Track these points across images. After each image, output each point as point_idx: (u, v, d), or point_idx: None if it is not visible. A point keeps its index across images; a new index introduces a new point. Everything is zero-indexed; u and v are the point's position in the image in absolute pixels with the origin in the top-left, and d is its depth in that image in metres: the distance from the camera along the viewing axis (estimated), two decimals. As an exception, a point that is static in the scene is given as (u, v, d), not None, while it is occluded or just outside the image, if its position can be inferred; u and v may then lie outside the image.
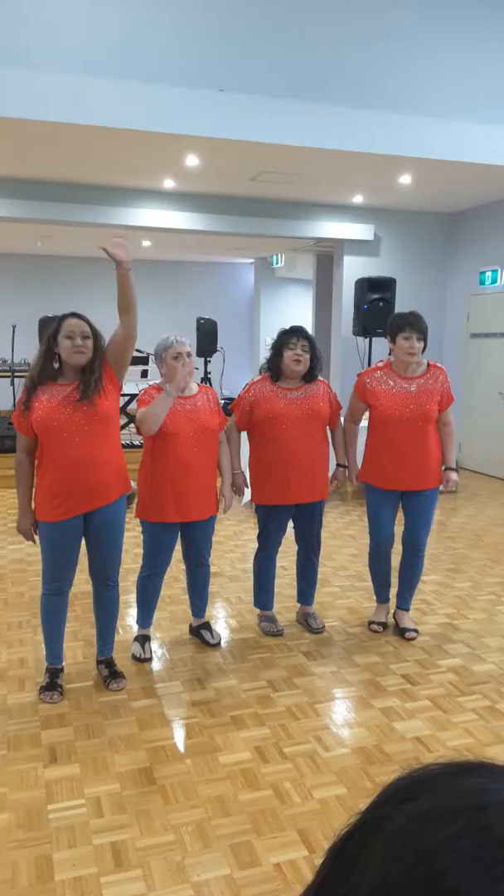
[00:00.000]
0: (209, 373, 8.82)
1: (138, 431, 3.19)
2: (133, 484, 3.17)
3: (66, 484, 2.81)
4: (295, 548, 3.75)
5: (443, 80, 5.76)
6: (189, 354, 3.20)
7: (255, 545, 3.70)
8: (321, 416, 3.47)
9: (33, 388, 2.81)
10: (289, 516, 3.60)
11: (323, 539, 3.78)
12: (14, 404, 3.14)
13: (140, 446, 3.35)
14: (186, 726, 2.80)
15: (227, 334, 10.85)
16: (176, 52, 5.09)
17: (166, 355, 3.17)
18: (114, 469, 2.91)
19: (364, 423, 3.65)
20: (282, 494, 3.47)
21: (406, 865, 0.37)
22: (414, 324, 3.35)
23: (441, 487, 3.60)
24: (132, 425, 7.62)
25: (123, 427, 7.01)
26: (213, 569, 3.91)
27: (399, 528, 3.66)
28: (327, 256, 8.99)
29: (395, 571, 3.77)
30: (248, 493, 3.61)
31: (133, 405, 6.13)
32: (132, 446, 7.15)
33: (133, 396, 6.93)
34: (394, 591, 3.79)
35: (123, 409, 6.61)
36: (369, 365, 7.31)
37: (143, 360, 7.98)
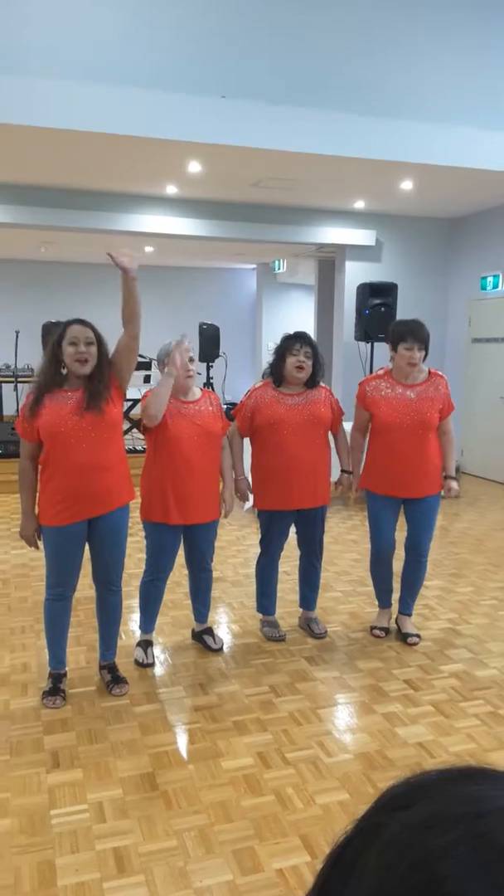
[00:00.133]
0: (211, 378, 8.84)
1: (144, 430, 3.20)
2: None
3: (73, 489, 2.82)
4: (297, 553, 3.75)
5: (443, 85, 5.78)
6: (192, 359, 3.22)
7: (258, 550, 3.70)
8: (322, 421, 3.47)
9: (40, 396, 2.82)
10: (291, 521, 3.60)
11: (325, 544, 3.78)
12: (17, 410, 3.14)
13: (143, 451, 3.36)
14: (189, 731, 2.80)
15: (229, 340, 10.87)
16: (177, 59, 5.12)
17: (168, 360, 3.19)
18: (119, 475, 2.92)
19: None
20: (283, 500, 3.48)
21: (401, 874, 0.37)
22: (415, 333, 3.35)
23: (442, 493, 3.60)
24: (135, 430, 7.65)
25: (126, 432, 7.03)
26: (215, 574, 3.91)
27: (401, 535, 3.66)
28: (329, 262, 9.01)
29: (397, 577, 3.77)
30: (251, 499, 3.62)
31: (136, 410, 6.12)
32: (135, 451, 7.16)
33: (136, 402, 6.94)
34: (396, 596, 3.78)
35: (126, 415, 6.63)
36: (371, 369, 7.32)
37: (146, 366, 8.00)
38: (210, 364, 8.82)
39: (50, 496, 2.85)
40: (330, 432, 3.59)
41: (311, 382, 3.48)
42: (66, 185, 6.68)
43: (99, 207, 6.95)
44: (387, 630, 3.74)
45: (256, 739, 2.74)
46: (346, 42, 5.50)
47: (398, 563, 3.76)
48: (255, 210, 7.46)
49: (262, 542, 3.66)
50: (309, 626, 3.75)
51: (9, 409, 8.93)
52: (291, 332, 3.54)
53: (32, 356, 7.75)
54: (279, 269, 10.85)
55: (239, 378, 11.80)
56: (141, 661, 3.35)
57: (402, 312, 7.37)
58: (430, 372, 3.51)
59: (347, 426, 3.62)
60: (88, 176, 6.26)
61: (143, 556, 3.40)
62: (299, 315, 11.77)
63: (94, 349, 2.82)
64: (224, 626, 3.85)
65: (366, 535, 3.69)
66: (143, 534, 3.36)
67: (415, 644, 3.62)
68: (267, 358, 3.67)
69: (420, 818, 0.40)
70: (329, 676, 3.28)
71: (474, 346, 7.99)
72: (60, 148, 5.31)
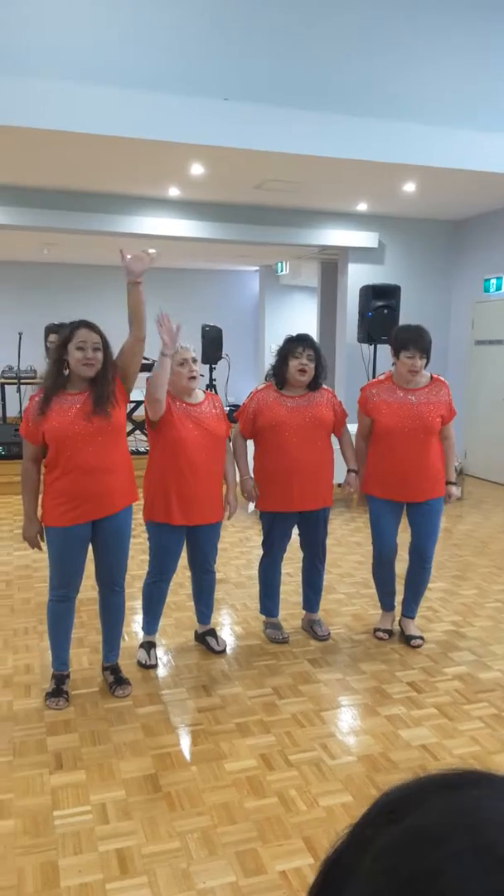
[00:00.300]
0: (214, 380, 8.84)
1: (148, 425, 3.20)
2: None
3: (78, 491, 2.83)
4: (300, 555, 3.75)
5: (445, 87, 5.79)
6: (194, 360, 3.22)
7: (261, 552, 3.70)
8: (324, 423, 3.47)
9: (46, 400, 2.81)
10: (293, 523, 3.60)
11: (328, 546, 3.78)
12: (20, 412, 3.15)
13: (146, 453, 3.36)
14: (192, 733, 2.80)
15: (232, 341, 10.88)
16: (179, 61, 5.13)
17: (172, 362, 3.19)
18: (123, 477, 2.93)
19: None
20: (285, 501, 3.47)
21: (395, 891, 0.36)
22: (417, 341, 3.35)
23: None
24: (138, 432, 7.65)
25: (129, 434, 7.04)
26: (218, 575, 3.91)
27: (405, 539, 3.66)
28: (332, 264, 9.02)
29: (400, 579, 3.77)
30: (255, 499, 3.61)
31: (139, 411, 6.12)
32: (138, 453, 7.17)
33: (139, 403, 6.95)
34: (399, 598, 3.78)
35: (129, 416, 6.63)
36: (374, 371, 7.32)
37: (149, 367, 7.99)
38: (213, 366, 8.83)
39: (55, 498, 2.86)
40: (333, 434, 3.58)
41: (314, 385, 3.48)
42: (68, 188, 6.69)
43: (101, 209, 6.96)
44: (390, 632, 3.74)
45: (259, 741, 2.74)
46: (347, 44, 5.51)
47: (401, 566, 3.76)
48: (258, 212, 7.47)
49: (264, 543, 3.66)
50: (312, 628, 3.75)
51: (12, 411, 8.95)
52: (294, 334, 3.54)
53: (35, 358, 7.77)
54: (282, 271, 10.86)
55: (242, 380, 11.80)
56: (144, 662, 3.35)
57: (405, 314, 7.37)
58: (431, 377, 3.51)
59: (352, 428, 3.62)
60: (91, 178, 6.28)
61: (147, 557, 3.41)
62: (302, 317, 11.78)
63: (100, 355, 2.82)
64: (227, 628, 3.85)
65: (369, 537, 3.68)
66: (146, 535, 3.36)
67: (418, 646, 3.61)
68: (270, 360, 3.67)
69: (410, 833, 0.38)
70: (332, 678, 3.28)
71: (477, 348, 7.99)
72: (62, 150, 5.33)
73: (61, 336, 2.83)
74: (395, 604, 3.79)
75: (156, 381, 3.06)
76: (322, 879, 0.42)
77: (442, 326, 8.21)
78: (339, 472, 3.61)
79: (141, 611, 3.49)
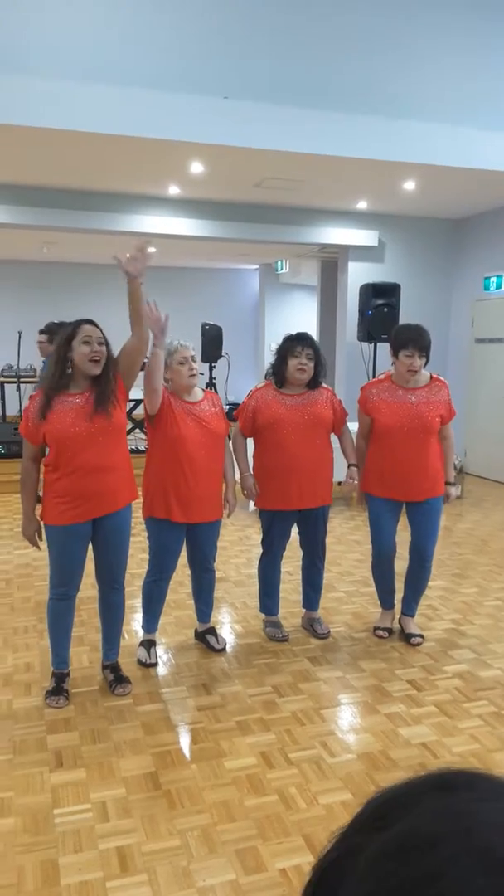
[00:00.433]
0: (214, 378, 8.84)
1: (146, 420, 3.20)
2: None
3: (79, 490, 2.83)
4: (300, 553, 3.75)
5: (445, 85, 5.78)
6: (193, 358, 3.22)
7: (260, 550, 3.70)
8: (324, 421, 3.47)
9: (49, 400, 2.80)
10: (292, 522, 3.60)
11: (328, 545, 3.78)
12: (20, 410, 3.14)
13: (145, 452, 3.36)
14: (192, 731, 2.80)
15: (231, 340, 10.88)
16: (179, 59, 5.12)
17: (172, 360, 3.19)
18: (124, 476, 2.94)
19: None
20: (284, 499, 3.47)
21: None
22: (416, 341, 3.35)
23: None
24: (137, 430, 7.65)
25: (129, 432, 7.03)
26: (218, 574, 3.91)
27: (405, 537, 3.66)
28: (332, 262, 9.01)
29: (400, 577, 3.77)
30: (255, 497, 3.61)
31: (139, 410, 6.13)
32: (138, 451, 7.17)
33: (138, 402, 6.95)
34: (399, 596, 3.78)
35: (129, 415, 6.63)
36: (374, 370, 7.32)
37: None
38: (213, 364, 8.82)
39: (56, 496, 2.85)
40: (333, 433, 3.58)
41: (313, 383, 3.48)
42: (68, 186, 6.69)
43: (101, 208, 6.96)
44: (390, 630, 3.74)
45: (259, 739, 2.74)
46: (347, 42, 5.50)
47: (401, 564, 3.76)
48: (258, 210, 7.46)
49: (263, 542, 3.66)
50: (312, 627, 3.75)
51: (12, 410, 8.95)
52: (293, 332, 3.53)
53: (35, 357, 7.76)
54: (282, 269, 10.86)
55: (241, 378, 11.79)
56: (144, 660, 3.35)
57: (405, 313, 7.37)
58: (431, 377, 3.51)
59: (353, 426, 3.62)
60: (91, 177, 6.27)
61: (146, 556, 3.41)
62: (302, 315, 11.78)
63: (104, 350, 2.82)
64: (227, 627, 3.85)
65: (368, 535, 3.68)
66: (145, 535, 3.36)
67: (418, 644, 3.61)
68: (270, 358, 3.67)
69: (399, 839, 0.37)
70: (332, 677, 3.28)
71: (478, 346, 7.98)
72: (62, 148, 5.32)
73: (63, 334, 2.82)
74: (395, 602, 3.79)
75: (152, 371, 3.04)
76: (316, 880, 0.41)
77: (442, 325, 8.21)
78: (339, 471, 3.61)
79: (141, 609, 3.49)
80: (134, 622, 3.83)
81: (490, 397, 7.81)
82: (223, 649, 3.53)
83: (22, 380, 8.23)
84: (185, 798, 2.38)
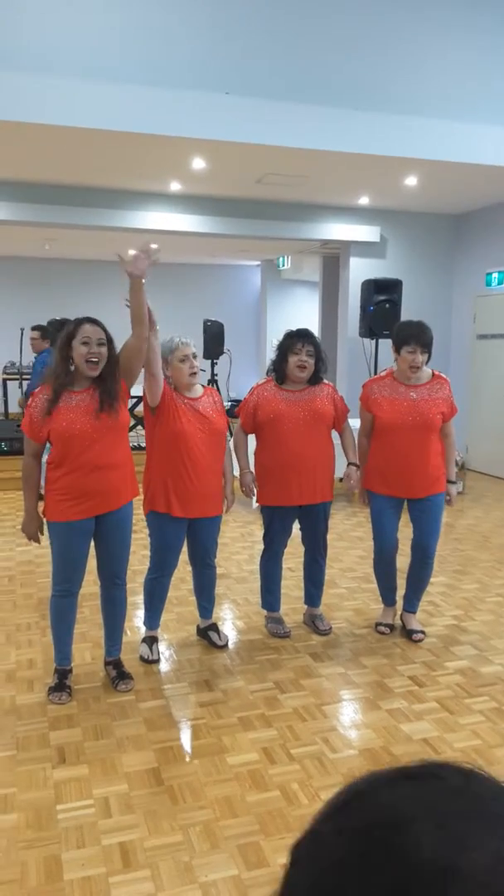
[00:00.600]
0: (216, 375, 8.83)
1: (146, 414, 3.19)
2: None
3: (83, 487, 2.84)
4: (302, 549, 3.75)
5: (446, 81, 5.76)
6: (195, 356, 3.22)
7: (262, 546, 3.71)
8: (324, 418, 3.47)
9: (54, 398, 2.80)
10: (293, 518, 3.61)
11: (329, 541, 3.78)
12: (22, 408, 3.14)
13: (145, 448, 3.37)
14: (194, 727, 2.81)
15: (233, 336, 10.86)
16: (180, 55, 5.11)
17: (172, 357, 3.19)
18: (126, 473, 2.95)
19: None
20: (284, 495, 3.48)
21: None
22: (418, 337, 3.34)
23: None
24: (139, 427, 7.65)
25: (131, 429, 7.03)
26: (219, 570, 3.93)
27: (407, 534, 3.66)
28: (333, 258, 9.00)
29: (402, 573, 3.77)
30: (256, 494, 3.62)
31: (139, 408, 6.13)
32: (140, 448, 7.18)
33: (139, 399, 6.95)
34: (401, 592, 3.78)
35: (131, 412, 6.63)
36: (376, 366, 7.31)
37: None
38: (215, 361, 8.81)
39: (60, 493, 2.86)
40: (334, 429, 3.58)
41: (314, 379, 3.48)
42: (69, 183, 6.68)
43: (103, 204, 6.95)
44: (391, 627, 3.74)
45: (261, 735, 2.75)
46: (349, 38, 5.48)
47: (403, 560, 3.76)
48: (259, 206, 7.45)
49: (264, 538, 3.66)
50: (313, 623, 3.76)
51: (14, 407, 8.96)
52: (294, 329, 3.53)
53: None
54: (283, 265, 10.85)
55: (243, 375, 11.78)
56: (146, 657, 3.36)
57: (407, 309, 7.36)
58: (433, 374, 3.51)
59: (354, 423, 3.62)
60: (92, 173, 6.27)
61: (148, 553, 3.41)
62: (304, 311, 11.76)
63: (104, 350, 2.82)
64: (229, 623, 3.86)
65: (370, 531, 3.69)
66: (146, 532, 3.37)
67: (419, 640, 3.62)
68: (271, 355, 3.67)
69: (357, 827, 0.40)
70: (334, 673, 3.28)
71: (479, 342, 7.97)
72: (64, 145, 5.32)
73: (65, 332, 2.83)
74: (397, 598, 3.79)
75: (148, 359, 2.98)
76: (291, 861, 0.43)
77: (443, 320, 8.20)
78: (340, 467, 3.61)
79: (143, 606, 3.49)
80: (136, 619, 3.84)
81: (492, 393, 7.80)
82: (225, 646, 3.54)
83: (24, 377, 8.24)
84: (187, 794, 2.39)
